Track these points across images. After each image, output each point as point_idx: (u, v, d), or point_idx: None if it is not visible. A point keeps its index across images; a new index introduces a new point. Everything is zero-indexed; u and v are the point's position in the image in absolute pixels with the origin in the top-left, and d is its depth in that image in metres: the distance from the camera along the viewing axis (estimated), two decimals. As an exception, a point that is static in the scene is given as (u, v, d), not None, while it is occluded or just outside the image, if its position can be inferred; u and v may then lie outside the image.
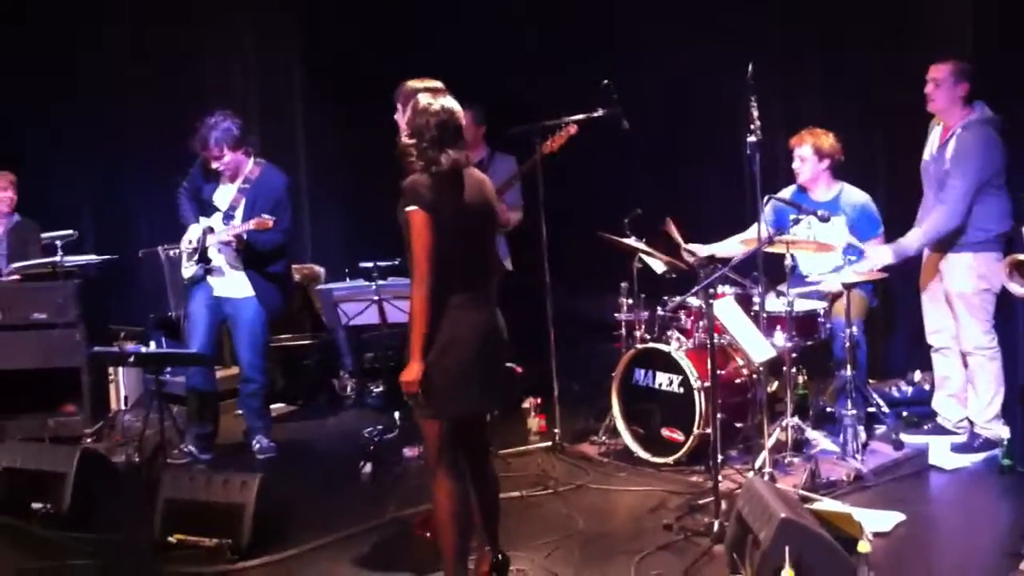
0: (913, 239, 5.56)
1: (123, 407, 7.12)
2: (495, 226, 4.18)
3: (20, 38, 7.76)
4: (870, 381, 6.25)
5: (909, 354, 6.56)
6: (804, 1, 6.92)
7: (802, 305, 5.68)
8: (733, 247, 6.04)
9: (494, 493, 4.24)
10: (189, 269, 6.16)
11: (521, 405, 6.46)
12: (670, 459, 5.62)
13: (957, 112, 5.51)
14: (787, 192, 6.12)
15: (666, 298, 6.00)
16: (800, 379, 5.96)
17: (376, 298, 5.98)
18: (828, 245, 5.78)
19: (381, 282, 6.03)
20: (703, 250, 6.10)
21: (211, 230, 6.08)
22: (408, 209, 3.83)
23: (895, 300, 6.58)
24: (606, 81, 5.85)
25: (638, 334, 6.07)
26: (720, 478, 4.83)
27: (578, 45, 7.71)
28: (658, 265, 6.11)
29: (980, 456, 5.54)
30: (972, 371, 5.59)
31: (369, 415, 6.99)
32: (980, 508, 5.15)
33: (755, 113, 5.08)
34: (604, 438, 6.03)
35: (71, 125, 8.05)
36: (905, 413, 6.16)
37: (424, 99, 3.97)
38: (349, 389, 7.64)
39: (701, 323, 5.76)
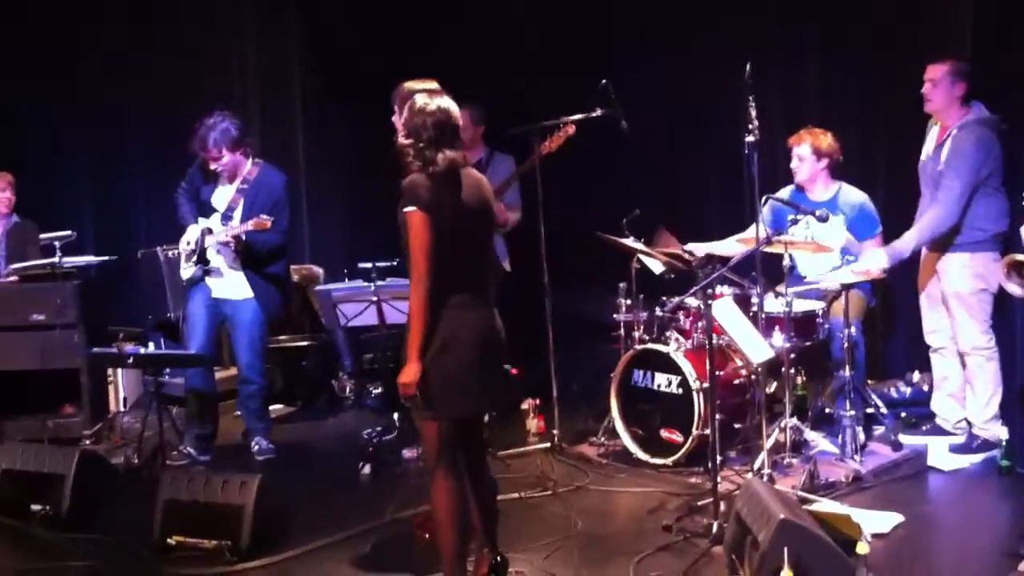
0: (908, 241, 5.56)
1: (122, 408, 7.13)
2: (493, 226, 4.18)
3: (20, 38, 7.75)
4: (869, 382, 6.25)
5: (908, 355, 6.57)
6: (804, 1, 6.92)
7: (800, 306, 5.68)
8: (731, 247, 6.05)
9: (492, 494, 4.25)
10: (188, 270, 6.16)
11: (520, 406, 6.46)
12: (669, 460, 5.63)
13: (954, 112, 5.52)
14: (785, 192, 6.13)
15: (665, 299, 6.00)
16: (799, 380, 5.96)
17: (375, 299, 5.98)
18: (826, 247, 5.78)
19: (380, 283, 6.03)
20: (701, 248, 6.10)
21: (210, 231, 6.08)
22: (406, 210, 3.83)
23: (894, 301, 6.58)
24: (604, 81, 5.85)
25: (637, 335, 6.08)
26: (719, 479, 4.82)
27: (578, 45, 7.71)
28: (656, 266, 6.12)
29: (979, 457, 5.54)
30: (970, 372, 5.60)
31: (368, 416, 6.99)
32: (979, 509, 5.15)
33: (753, 113, 5.08)
34: (603, 439, 6.03)
35: (71, 125, 8.04)
36: (904, 414, 6.16)
37: (421, 99, 3.98)
38: (348, 390, 7.64)
39: (700, 324, 5.76)
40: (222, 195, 6.12)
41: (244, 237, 5.90)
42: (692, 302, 5.79)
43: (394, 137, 4.06)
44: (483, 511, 4.17)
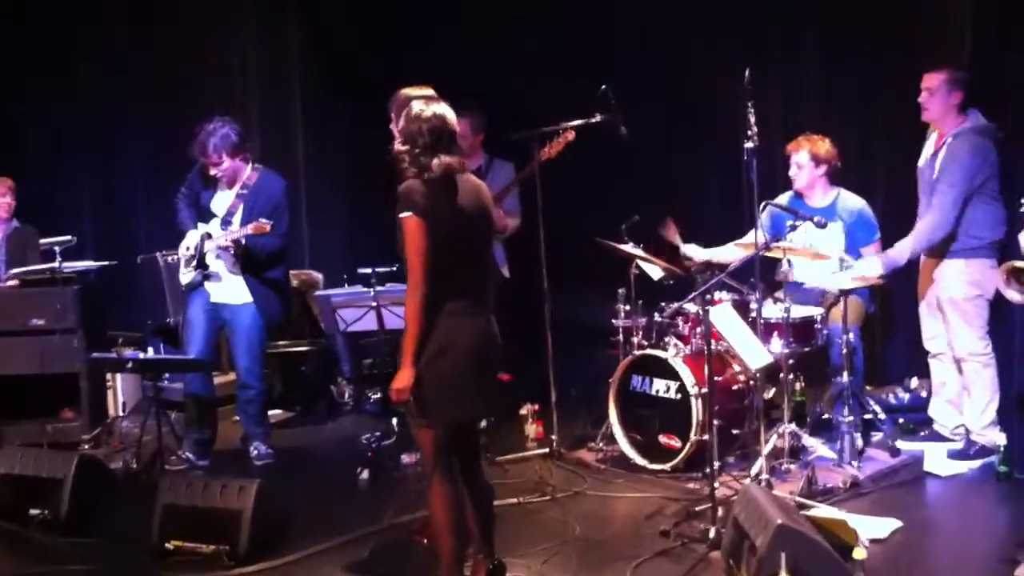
0: (903, 248, 5.58)
1: (121, 413, 7.14)
2: (492, 232, 4.18)
3: (20, 38, 7.76)
4: (867, 388, 6.26)
5: (906, 361, 6.57)
6: (804, 2, 6.93)
7: (799, 311, 5.68)
8: (730, 252, 6.06)
9: (488, 499, 4.25)
10: (187, 275, 6.17)
11: (518, 412, 6.46)
12: (667, 466, 5.63)
13: (951, 120, 5.54)
14: (784, 198, 6.13)
15: (663, 304, 6.01)
16: (797, 386, 5.96)
17: (374, 304, 5.99)
18: (824, 254, 5.79)
19: (379, 288, 6.03)
20: (701, 254, 6.11)
21: (209, 236, 6.09)
22: (402, 215, 3.84)
23: (893, 307, 6.59)
24: (604, 87, 5.86)
25: (636, 340, 6.08)
26: (717, 485, 4.83)
27: (578, 47, 7.73)
28: (655, 271, 6.12)
29: (976, 463, 5.55)
30: (967, 378, 5.61)
31: (367, 421, 6.99)
32: (976, 515, 5.16)
33: (752, 119, 5.09)
34: (601, 445, 6.03)
35: (70, 127, 8.06)
36: (902, 420, 6.18)
37: (417, 106, 3.98)
38: (347, 395, 7.64)
39: (698, 329, 5.76)
40: (221, 200, 6.13)
41: (243, 241, 5.91)
42: (691, 308, 5.80)
43: (391, 144, 4.07)
44: (480, 516, 4.16)
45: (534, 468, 5.88)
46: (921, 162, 5.72)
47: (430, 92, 4.16)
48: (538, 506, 5.33)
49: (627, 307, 6.15)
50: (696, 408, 5.49)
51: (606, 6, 7.66)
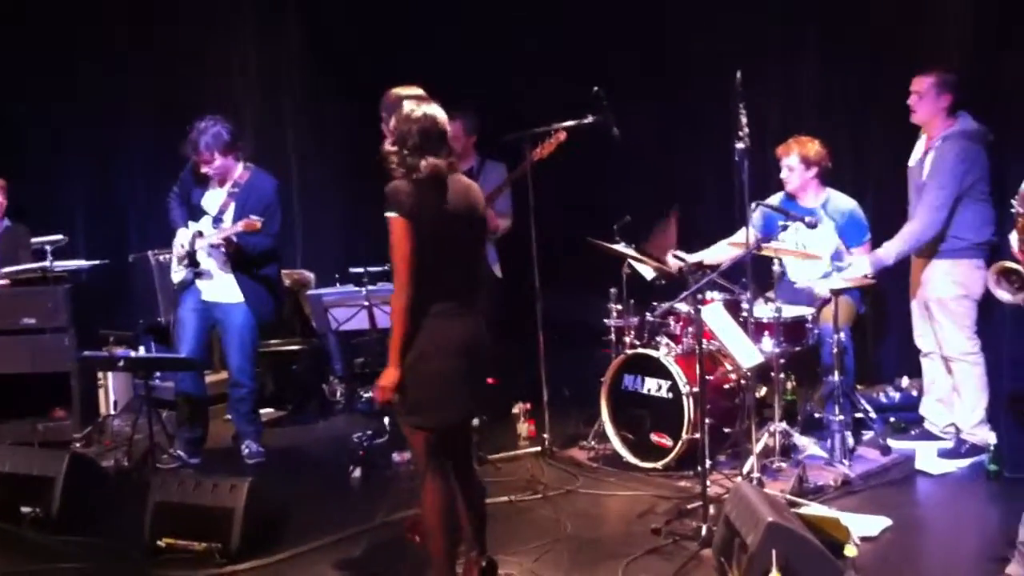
0: (891, 249, 5.60)
1: (112, 412, 7.13)
2: (482, 233, 4.16)
3: (20, 38, 7.75)
4: (858, 387, 6.27)
5: (897, 360, 6.59)
6: (804, 2, 6.95)
7: (790, 311, 5.70)
8: (722, 251, 6.07)
9: (480, 497, 4.26)
10: (179, 273, 6.17)
11: (511, 410, 6.48)
12: (659, 464, 5.64)
13: (939, 123, 5.56)
14: (775, 199, 6.14)
15: (655, 304, 6.02)
16: (788, 385, 5.99)
17: (366, 303, 5.99)
18: (813, 255, 5.81)
19: (371, 287, 6.04)
20: (690, 258, 6.13)
21: (200, 234, 6.08)
22: (387, 215, 3.84)
23: (884, 306, 6.61)
24: (596, 88, 5.87)
25: (627, 340, 6.08)
26: (708, 483, 4.84)
27: (578, 46, 7.74)
28: (647, 271, 6.13)
29: (966, 461, 5.57)
30: (956, 377, 5.63)
31: (359, 420, 6.98)
32: (966, 513, 5.18)
33: (743, 120, 5.11)
34: (593, 443, 6.05)
35: (68, 127, 8.04)
36: (892, 419, 6.20)
37: (408, 106, 3.98)
38: (339, 394, 7.64)
39: (690, 329, 5.78)
40: (213, 198, 6.13)
41: (234, 239, 5.91)
42: (682, 307, 5.81)
43: (382, 143, 4.07)
44: (472, 514, 4.18)
45: (526, 466, 5.89)
46: (911, 163, 5.74)
47: (420, 92, 4.16)
48: (530, 504, 5.34)
49: (619, 307, 6.16)
50: (688, 407, 5.50)
51: (605, 6, 7.67)
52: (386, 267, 5.88)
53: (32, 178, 7.54)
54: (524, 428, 6.43)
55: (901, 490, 5.36)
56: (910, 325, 5.93)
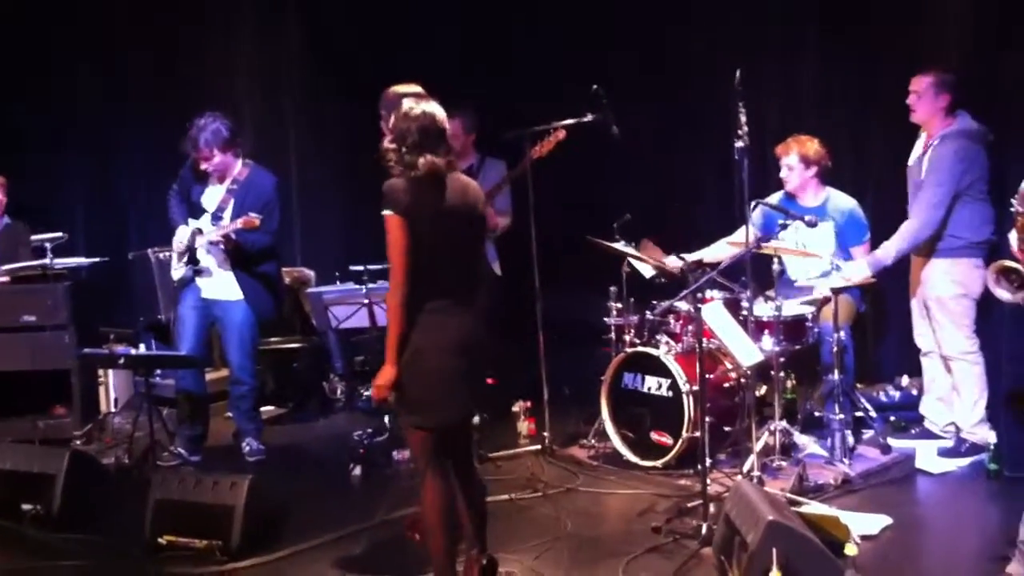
0: (889, 249, 5.61)
1: (113, 409, 7.13)
2: (481, 231, 4.14)
3: (20, 38, 7.75)
4: (858, 386, 6.27)
5: (898, 359, 6.59)
6: (804, 2, 6.94)
7: (790, 309, 5.71)
8: (721, 250, 6.07)
9: (481, 496, 4.25)
10: (178, 271, 6.17)
11: (511, 409, 6.48)
12: (659, 462, 5.65)
13: (938, 122, 5.57)
14: (775, 198, 6.14)
15: (655, 302, 6.02)
16: (788, 383, 5.99)
17: (366, 301, 6.00)
18: (813, 254, 5.82)
19: (371, 285, 6.05)
20: (690, 257, 6.12)
21: (200, 231, 6.08)
22: (383, 213, 3.84)
23: (885, 305, 6.61)
24: (595, 87, 5.87)
25: (627, 338, 6.09)
26: (709, 481, 4.85)
27: (577, 46, 7.73)
28: (647, 270, 6.14)
29: (966, 460, 5.57)
30: (955, 376, 5.64)
31: (359, 418, 6.98)
32: (966, 512, 5.19)
33: (743, 119, 5.11)
34: (593, 441, 6.05)
35: (67, 126, 8.04)
36: (893, 417, 6.20)
37: (407, 104, 3.97)
38: (339, 392, 7.64)
39: (690, 327, 5.79)
40: (212, 195, 6.13)
41: (234, 236, 5.90)
42: (682, 306, 5.82)
43: (381, 141, 4.07)
44: (472, 513, 4.17)
45: (526, 465, 5.89)
46: (910, 161, 5.75)
47: (419, 90, 4.16)
48: (530, 502, 5.34)
49: (619, 305, 6.16)
50: (688, 405, 5.51)
51: (605, 6, 7.66)
52: (386, 265, 5.88)
53: (32, 176, 7.53)
54: (524, 426, 6.43)
55: (901, 489, 5.37)
56: (910, 324, 5.93)
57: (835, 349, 5.48)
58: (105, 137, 8.19)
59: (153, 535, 4.77)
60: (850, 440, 5.65)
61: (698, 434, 5.08)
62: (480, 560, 4.18)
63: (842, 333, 5.57)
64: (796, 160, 6.00)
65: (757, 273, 5.49)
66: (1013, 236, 4.34)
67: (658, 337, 5.96)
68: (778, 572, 3.71)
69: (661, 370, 5.68)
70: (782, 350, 5.52)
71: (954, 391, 5.68)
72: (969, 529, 5.00)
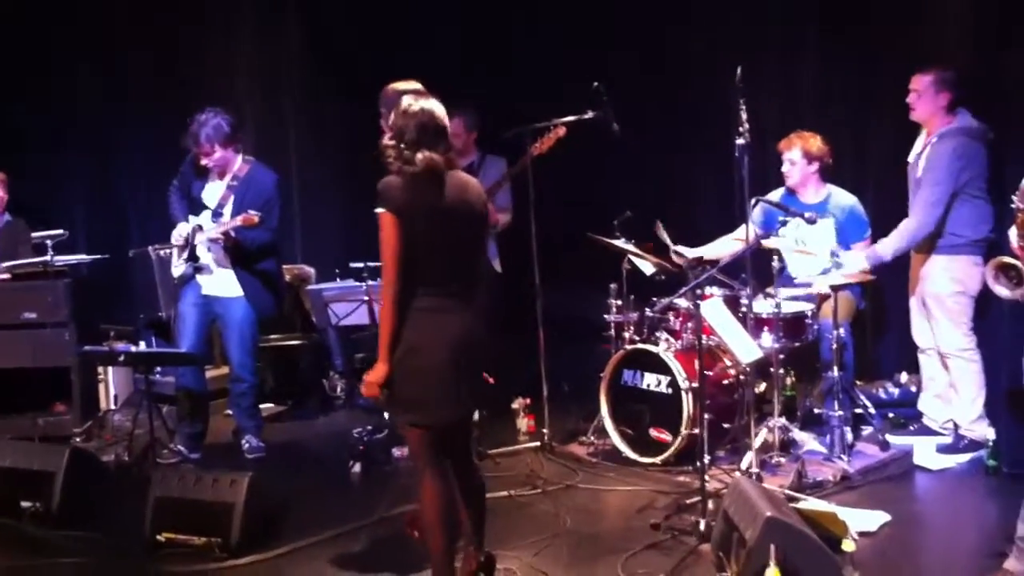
0: (887, 245, 5.63)
1: (113, 406, 7.14)
2: (481, 229, 4.11)
3: (20, 38, 7.75)
4: (857, 382, 6.27)
5: (897, 356, 6.59)
6: (804, 2, 6.94)
7: (790, 307, 5.71)
8: (722, 246, 6.08)
9: (480, 493, 4.24)
10: (179, 268, 6.17)
11: (510, 405, 6.49)
12: (658, 459, 5.66)
13: (938, 121, 5.58)
14: (776, 195, 6.15)
15: (655, 299, 6.03)
16: (788, 380, 5.99)
17: (366, 298, 6.00)
18: (812, 251, 5.82)
19: (371, 282, 6.05)
20: (691, 253, 6.13)
21: (200, 228, 6.08)
22: (377, 211, 3.83)
23: (884, 302, 6.61)
24: (596, 84, 5.88)
25: (627, 335, 6.09)
26: (707, 478, 4.86)
27: (577, 46, 7.73)
28: (647, 266, 6.14)
29: (965, 457, 5.58)
30: (953, 373, 5.65)
31: (359, 415, 6.98)
32: (965, 508, 5.19)
33: (744, 116, 5.12)
34: (593, 438, 6.06)
35: (67, 126, 8.04)
36: (891, 414, 6.20)
37: (406, 101, 3.95)
38: (339, 389, 7.64)
39: (689, 324, 5.79)
40: (212, 192, 6.13)
41: (234, 233, 5.90)
42: (682, 303, 5.82)
43: (380, 139, 4.06)
44: (471, 510, 4.17)
45: (525, 461, 5.89)
46: (910, 159, 5.75)
47: (419, 86, 4.16)
48: (529, 499, 5.34)
49: (619, 302, 6.17)
50: (687, 402, 5.51)
51: (605, 6, 7.67)
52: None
53: (32, 176, 7.54)
54: (524, 423, 6.44)
55: (900, 485, 5.37)
56: (909, 321, 5.94)
57: (834, 346, 5.49)
58: (105, 137, 8.20)
59: (153, 532, 4.77)
60: (849, 437, 5.66)
61: (697, 431, 5.09)
62: (478, 557, 4.19)
63: (841, 330, 5.57)
64: (799, 155, 6.00)
65: (757, 270, 5.50)
66: (1013, 232, 4.34)
67: (658, 334, 5.97)
68: (776, 568, 3.71)
69: (660, 367, 5.68)
70: (781, 347, 5.52)
71: (952, 388, 5.69)
72: (967, 525, 5.01)
